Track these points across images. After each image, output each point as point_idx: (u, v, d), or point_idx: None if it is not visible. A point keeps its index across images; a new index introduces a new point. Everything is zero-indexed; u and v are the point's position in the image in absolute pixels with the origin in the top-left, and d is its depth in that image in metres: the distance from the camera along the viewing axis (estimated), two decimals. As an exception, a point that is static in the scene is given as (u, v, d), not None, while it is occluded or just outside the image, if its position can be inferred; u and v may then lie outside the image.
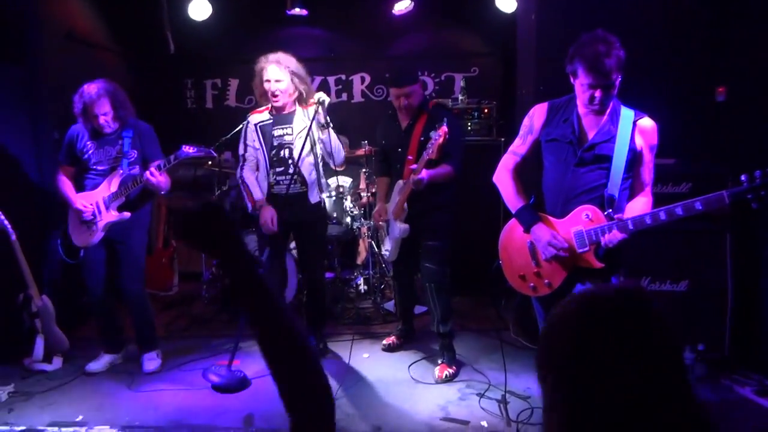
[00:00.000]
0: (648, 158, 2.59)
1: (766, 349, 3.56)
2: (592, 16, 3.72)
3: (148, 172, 3.57)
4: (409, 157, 3.70)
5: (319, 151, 3.86)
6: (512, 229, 2.85)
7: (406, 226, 3.72)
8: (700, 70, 3.84)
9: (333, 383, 3.62)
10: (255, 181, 3.81)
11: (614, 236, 2.45)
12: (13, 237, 3.75)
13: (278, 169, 3.75)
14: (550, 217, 2.67)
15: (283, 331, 1.08)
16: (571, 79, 2.56)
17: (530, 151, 2.78)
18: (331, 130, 3.74)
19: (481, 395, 3.44)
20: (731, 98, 3.82)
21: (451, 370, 3.71)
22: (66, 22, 4.96)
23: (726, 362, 3.60)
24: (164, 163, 3.62)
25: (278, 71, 3.67)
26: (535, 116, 2.75)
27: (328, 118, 3.71)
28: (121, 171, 3.70)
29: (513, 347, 4.14)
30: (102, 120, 3.65)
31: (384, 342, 4.22)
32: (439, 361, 3.81)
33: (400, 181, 3.77)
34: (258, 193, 3.77)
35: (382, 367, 3.90)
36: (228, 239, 1.07)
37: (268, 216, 3.70)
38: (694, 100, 3.86)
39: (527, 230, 2.69)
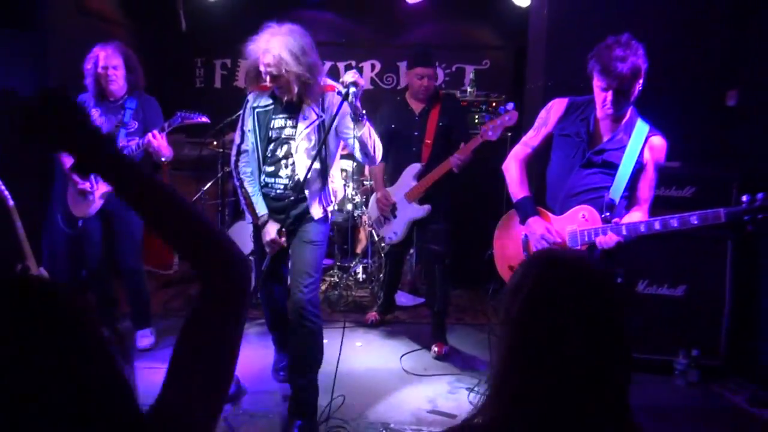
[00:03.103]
0: (651, 175, 2.58)
1: (761, 359, 3.53)
2: (604, 14, 3.67)
3: (150, 134, 3.56)
4: (427, 141, 3.85)
5: (331, 152, 3.04)
6: (509, 220, 2.86)
7: (428, 206, 3.86)
8: (713, 73, 3.78)
9: (324, 370, 3.63)
10: (258, 189, 3.07)
11: (610, 239, 2.43)
12: (11, 203, 3.75)
13: (269, 169, 3.02)
14: (548, 213, 2.68)
15: (158, 192, 1.00)
16: (591, 80, 2.53)
17: (542, 143, 2.77)
18: (368, 124, 2.88)
19: (470, 389, 3.43)
20: (743, 102, 3.76)
21: (446, 347, 3.95)
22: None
23: (720, 370, 3.58)
24: (159, 129, 3.62)
25: (271, 54, 2.77)
26: (553, 109, 2.74)
27: (359, 106, 2.80)
28: (119, 141, 3.70)
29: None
30: (111, 73, 3.65)
31: (366, 317, 4.40)
32: (437, 341, 3.97)
33: (417, 165, 3.88)
34: (262, 207, 3.04)
35: (374, 357, 3.90)
36: (76, 124, 0.96)
37: (270, 235, 2.98)
38: (705, 103, 3.81)
39: (523, 221, 2.68)
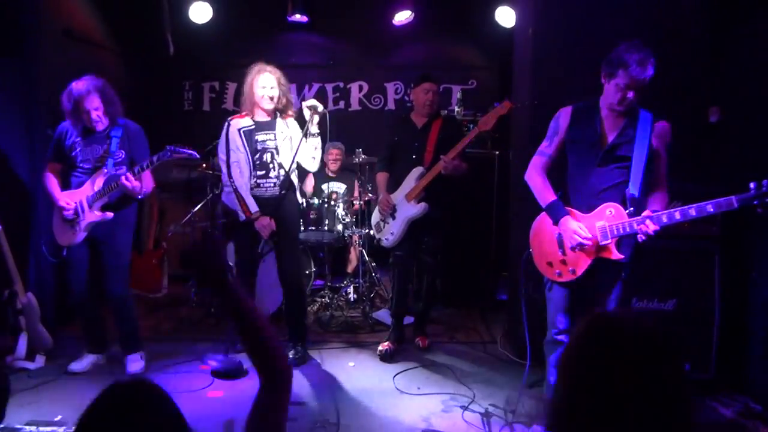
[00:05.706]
0: (664, 157, 2.82)
1: (752, 371, 3.55)
2: (587, 34, 3.74)
3: (123, 177, 3.56)
4: (429, 149, 4.17)
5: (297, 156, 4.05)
6: (542, 221, 3.06)
7: (425, 204, 4.09)
8: (693, 90, 3.85)
9: (317, 391, 3.61)
10: (248, 191, 3.94)
11: (649, 227, 2.61)
12: (-1, 227, 3.72)
13: (260, 173, 3.94)
14: (576, 212, 2.88)
15: (250, 320, 1.46)
16: (608, 79, 2.75)
17: (557, 151, 2.99)
18: (315, 139, 3.96)
19: (464, 408, 3.42)
20: (725, 119, 3.82)
21: (429, 339, 4.44)
22: (65, 19, 4.95)
23: (712, 383, 3.59)
24: (147, 164, 3.60)
25: (273, 79, 3.92)
26: (561, 118, 2.98)
27: (316, 127, 3.96)
28: (106, 170, 3.67)
29: (500, 361, 4.13)
30: (94, 115, 3.64)
31: (380, 348, 4.20)
32: (419, 335, 4.43)
33: (420, 168, 4.14)
34: (254, 206, 3.92)
35: (367, 377, 3.88)
36: (216, 272, 1.43)
37: (265, 223, 3.90)
38: (687, 120, 3.86)
39: (556, 222, 2.88)
